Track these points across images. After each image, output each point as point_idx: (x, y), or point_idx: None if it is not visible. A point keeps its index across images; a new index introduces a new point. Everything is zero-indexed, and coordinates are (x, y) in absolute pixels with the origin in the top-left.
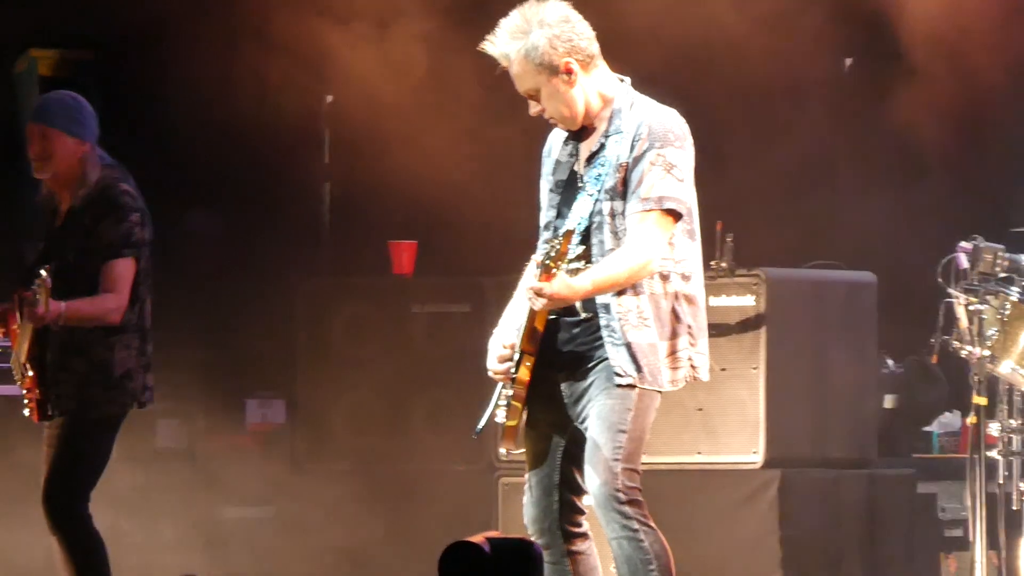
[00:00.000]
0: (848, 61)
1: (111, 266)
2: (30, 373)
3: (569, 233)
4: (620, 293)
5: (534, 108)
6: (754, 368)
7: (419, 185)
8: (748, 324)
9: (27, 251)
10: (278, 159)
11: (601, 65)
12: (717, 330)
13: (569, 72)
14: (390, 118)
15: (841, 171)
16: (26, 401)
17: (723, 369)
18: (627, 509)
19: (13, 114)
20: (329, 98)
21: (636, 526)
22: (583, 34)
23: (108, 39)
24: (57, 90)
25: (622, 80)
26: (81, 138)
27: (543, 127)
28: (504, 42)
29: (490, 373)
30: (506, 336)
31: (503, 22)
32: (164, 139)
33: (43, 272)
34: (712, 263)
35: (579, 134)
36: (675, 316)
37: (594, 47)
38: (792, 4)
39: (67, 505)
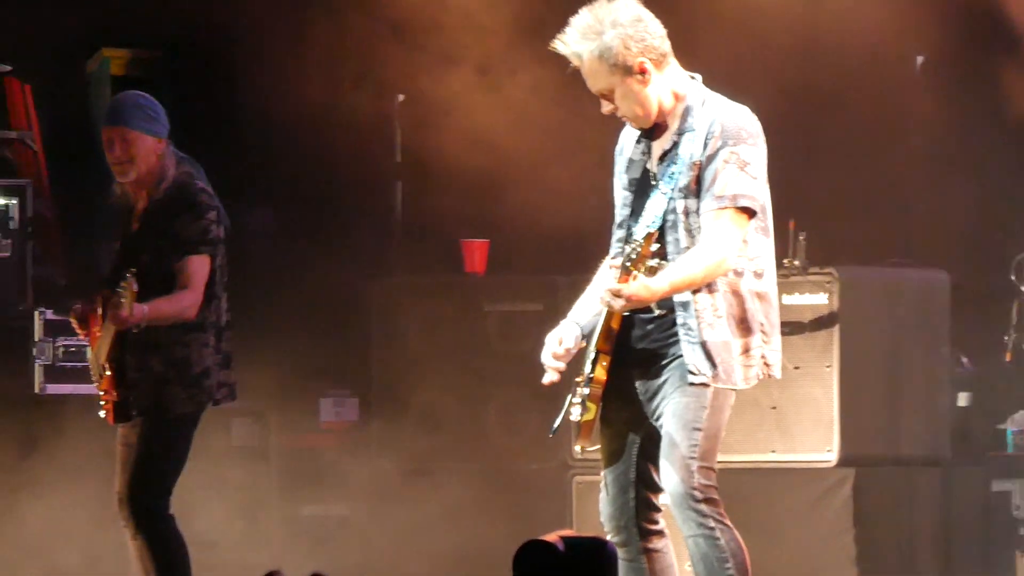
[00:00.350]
0: (920, 59)
1: (187, 262)
2: (108, 373)
3: (650, 236)
4: (695, 291)
5: (607, 107)
6: (828, 366)
7: (491, 183)
8: (821, 322)
9: (103, 252)
10: (350, 158)
11: (673, 63)
12: (790, 328)
13: (643, 72)
14: (462, 116)
15: (915, 169)
16: (102, 403)
17: (797, 367)
18: (703, 507)
19: (86, 113)
20: (400, 97)
21: (712, 524)
22: (656, 33)
23: (179, 38)
24: (126, 91)
25: (693, 77)
26: (159, 136)
27: (615, 123)
28: (576, 42)
29: (544, 364)
30: (566, 333)
31: (574, 21)
32: (235, 137)
33: (128, 275)
34: (785, 261)
35: (651, 132)
36: (749, 313)
37: (666, 45)
38: (865, 4)
39: (149, 505)
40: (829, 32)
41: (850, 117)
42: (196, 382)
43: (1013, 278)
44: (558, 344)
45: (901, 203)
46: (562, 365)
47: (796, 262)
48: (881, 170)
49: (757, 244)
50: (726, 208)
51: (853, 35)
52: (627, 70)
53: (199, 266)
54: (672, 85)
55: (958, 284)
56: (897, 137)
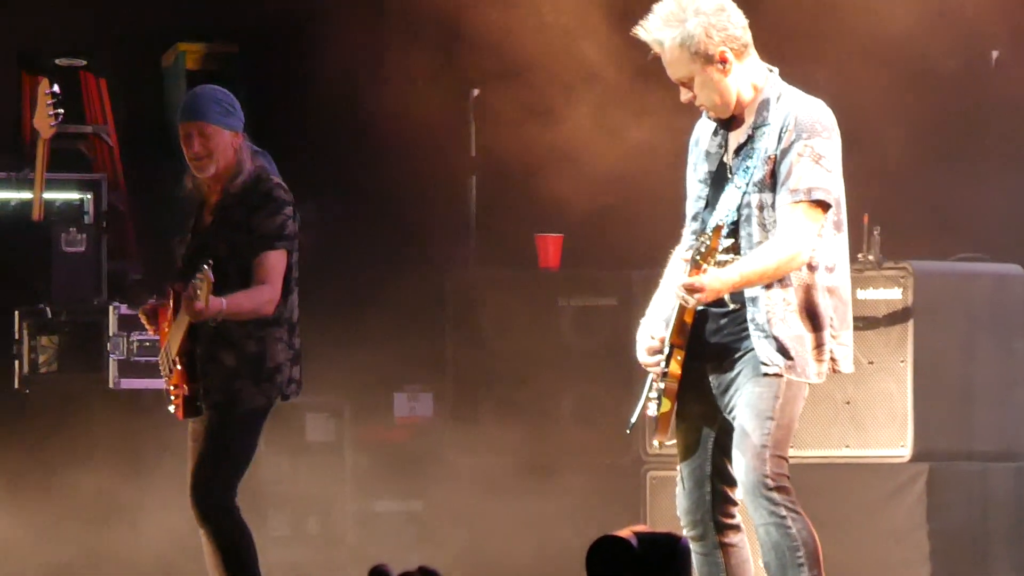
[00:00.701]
0: (996, 53)
1: (265, 257)
2: (179, 367)
3: (718, 228)
4: (768, 285)
5: (685, 95)
6: (902, 361)
7: (565, 178)
8: (895, 317)
9: (177, 247)
10: (425, 152)
11: (753, 55)
12: (864, 323)
13: (724, 61)
14: (536, 112)
15: (989, 163)
16: (172, 398)
17: (871, 362)
18: (775, 495)
19: (161, 108)
20: (475, 91)
21: (784, 512)
22: (737, 23)
23: (255, 32)
24: (202, 85)
25: (771, 70)
26: (236, 130)
27: (687, 120)
28: (658, 29)
29: (642, 365)
30: (654, 327)
31: (656, 8)
32: (309, 132)
33: (205, 267)
34: (859, 256)
35: (728, 124)
36: (820, 308)
37: (748, 36)
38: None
39: (215, 498)
40: (904, 26)
41: (925, 111)
42: (269, 377)
43: None
44: (651, 339)
45: (975, 197)
46: (661, 358)
47: (870, 257)
48: (955, 164)
49: (829, 238)
50: (800, 201)
51: (929, 30)
52: (708, 59)
53: (277, 261)
54: (751, 77)
55: None
56: (972, 131)
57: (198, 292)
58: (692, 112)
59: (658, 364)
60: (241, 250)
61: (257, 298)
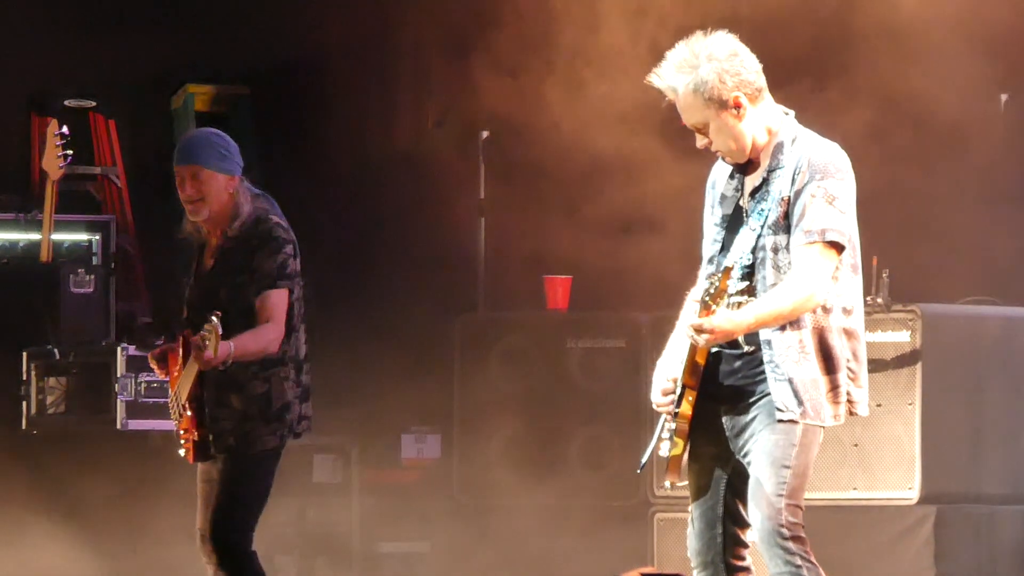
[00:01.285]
0: (1004, 97)
1: (267, 296)
2: (188, 413)
3: (728, 270)
4: (783, 327)
5: (701, 141)
6: (910, 404)
7: (574, 220)
8: (904, 360)
9: (184, 288)
10: (434, 194)
11: (767, 98)
12: (873, 366)
13: (738, 106)
14: (545, 155)
15: (998, 207)
16: (183, 442)
17: (879, 405)
18: (791, 545)
19: (170, 149)
20: (485, 134)
21: (799, 562)
22: (751, 68)
23: (263, 75)
24: (198, 128)
25: (787, 113)
26: (231, 173)
27: (698, 165)
28: (671, 75)
29: (654, 406)
30: (669, 369)
31: (670, 55)
32: (319, 173)
33: (213, 318)
34: (868, 298)
35: (744, 168)
36: (836, 351)
37: (761, 80)
38: (949, 43)
39: (232, 542)
40: (913, 70)
41: (933, 155)
42: (278, 417)
43: None
44: (666, 380)
45: (984, 241)
46: (674, 398)
47: (879, 299)
48: (964, 208)
49: (846, 280)
50: (815, 243)
51: (937, 73)
52: (722, 104)
53: (279, 300)
54: (766, 121)
55: None
56: (980, 175)
57: (207, 342)
58: (704, 156)
59: (671, 404)
60: (243, 291)
61: (263, 338)
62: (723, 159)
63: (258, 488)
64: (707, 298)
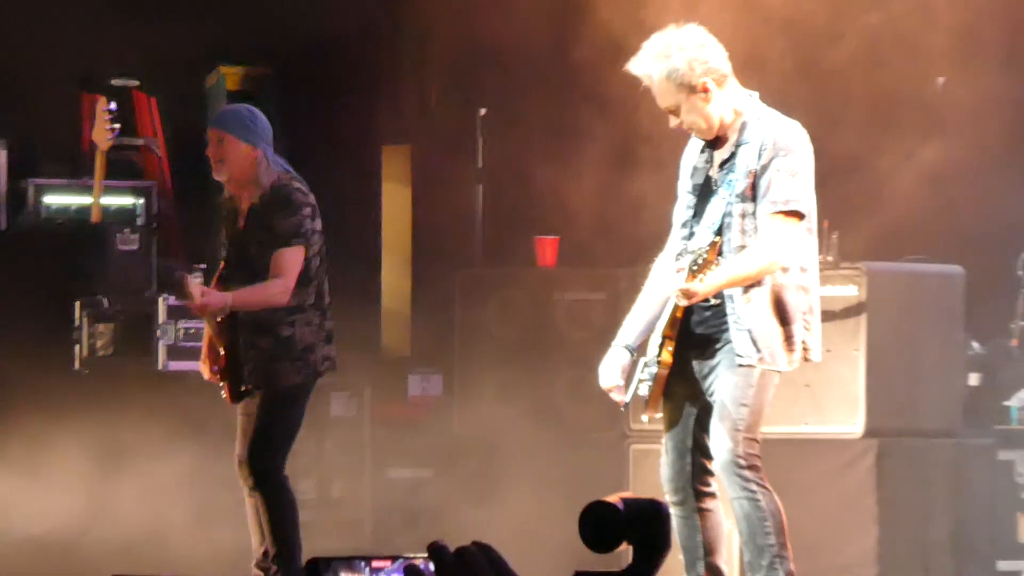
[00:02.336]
0: (941, 80)
1: (280, 254)
2: (224, 357)
3: (715, 244)
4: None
5: (674, 122)
6: (855, 350)
7: (561, 188)
8: (850, 311)
9: (217, 246)
10: (437, 164)
11: (733, 82)
12: (823, 316)
13: (706, 91)
14: (535, 130)
15: (934, 178)
16: (221, 384)
17: (828, 350)
18: (747, 473)
19: (204, 123)
20: (482, 111)
21: (754, 488)
22: (717, 56)
23: (286, 56)
24: (236, 103)
25: (751, 95)
26: (254, 145)
27: (670, 140)
28: (647, 63)
29: (604, 388)
30: (613, 367)
31: (646, 45)
32: (335, 145)
33: (187, 275)
34: (820, 257)
35: (713, 143)
36: (792, 304)
37: (727, 67)
38: (893, 22)
39: (266, 467)
40: (860, 51)
41: (880, 131)
42: (301, 356)
43: (1020, 273)
44: (612, 378)
45: (919, 206)
46: (624, 396)
47: (829, 258)
48: (905, 179)
49: (803, 242)
50: (779, 212)
51: (883, 53)
52: (692, 89)
53: (291, 257)
54: (732, 102)
55: (972, 277)
56: (922, 149)
57: (190, 289)
58: (677, 136)
59: (619, 392)
60: (266, 249)
61: (266, 291)
62: (694, 136)
63: (287, 420)
64: (695, 268)
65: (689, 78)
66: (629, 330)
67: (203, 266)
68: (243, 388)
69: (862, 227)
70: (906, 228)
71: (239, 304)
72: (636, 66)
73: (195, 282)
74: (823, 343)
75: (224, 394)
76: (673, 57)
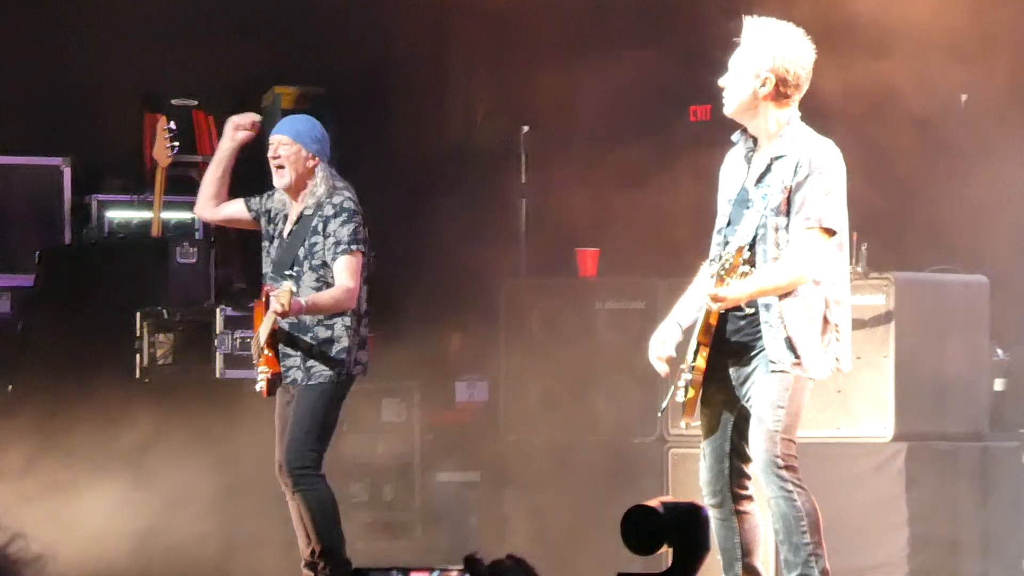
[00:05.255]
0: (964, 96)
1: (343, 260)
2: (267, 353)
3: (740, 249)
4: (780, 295)
5: (725, 80)
6: (884, 357)
7: (602, 200)
8: (879, 320)
9: (266, 251)
10: (483, 179)
11: (795, 102)
12: (853, 325)
13: (777, 90)
14: (576, 145)
15: (961, 190)
16: (259, 377)
17: (858, 358)
18: (784, 473)
19: (260, 141)
20: (525, 128)
21: (791, 487)
22: (807, 76)
23: (340, 77)
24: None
25: (797, 114)
26: (314, 153)
27: (708, 159)
28: (767, 29)
29: (651, 359)
30: (668, 335)
31: (777, 23)
32: (385, 161)
33: (286, 283)
34: (848, 268)
35: (751, 155)
36: (824, 316)
37: (804, 88)
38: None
39: (301, 467)
40: (886, 70)
41: (906, 148)
42: (336, 357)
43: None
44: (661, 346)
45: (947, 219)
46: (666, 367)
47: (858, 268)
48: (932, 189)
49: (834, 258)
50: (812, 228)
51: (909, 72)
52: (770, 77)
53: (353, 263)
54: (782, 115)
55: (996, 286)
56: (947, 165)
57: (280, 299)
58: (713, 151)
59: (664, 366)
60: (315, 253)
61: (336, 296)
62: (725, 105)
63: (322, 419)
64: (722, 272)
65: (779, 69)
66: (682, 309)
67: (290, 273)
68: (279, 383)
69: (890, 239)
70: (931, 239)
71: (311, 310)
72: (753, 23)
73: (283, 290)
74: (853, 350)
75: (260, 387)
76: (784, 45)
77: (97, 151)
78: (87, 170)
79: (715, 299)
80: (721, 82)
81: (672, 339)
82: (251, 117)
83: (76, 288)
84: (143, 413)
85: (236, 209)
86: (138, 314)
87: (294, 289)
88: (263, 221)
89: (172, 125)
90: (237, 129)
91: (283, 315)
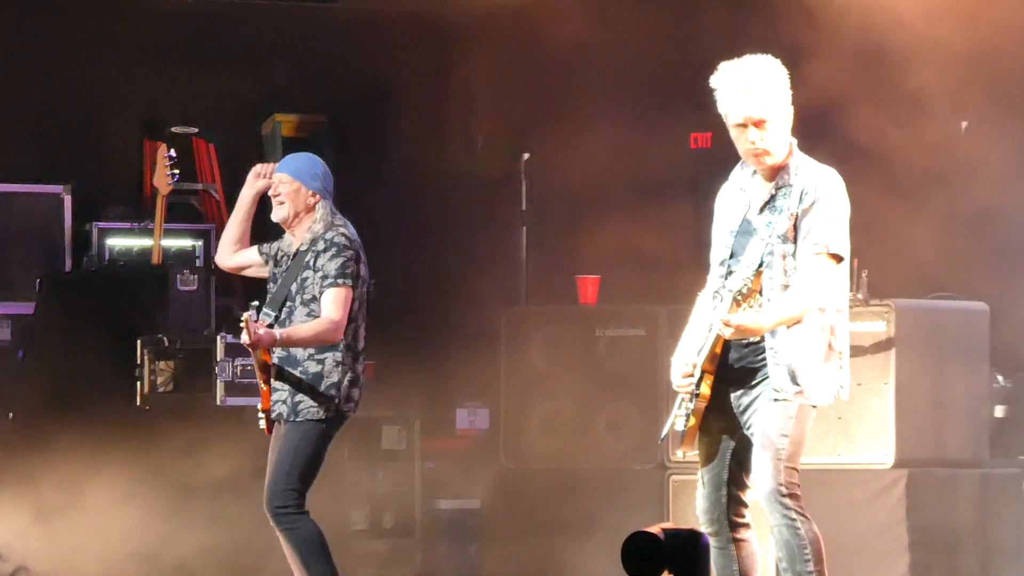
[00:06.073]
0: (964, 124)
1: (328, 293)
2: (264, 389)
3: (759, 274)
4: None
5: (752, 135)
6: (885, 383)
7: (601, 228)
8: (880, 346)
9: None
10: (483, 207)
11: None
12: (854, 352)
13: (789, 119)
14: (576, 172)
15: (960, 219)
16: (261, 415)
17: (859, 384)
18: (787, 501)
19: None
20: (526, 155)
21: (794, 516)
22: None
23: (339, 105)
24: (292, 149)
25: (792, 140)
26: (314, 190)
27: (707, 188)
28: (759, 66)
29: (674, 386)
30: (687, 356)
31: (747, 57)
32: (387, 188)
33: (243, 313)
34: (849, 294)
35: (752, 186)
36: (828, 343)
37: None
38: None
39: (282, 504)
40: (887, 95)
41: (905, 176)
42: (325, 394)
43: None
44: (684, 365)
45: (946, 246)
46: (692, 382)
47: (859, 295)
48: (935, 218)
49: (838, 284)
50: (820, 253)
51: (910, 98)
52: (786, 108)
53: (338, 296)
54: (787, 141)
55: (997, 313)
56: (947, 192)
57: (242, 332)
58: (713, 178)
59: (689, 386)
60: (306, 288)
61: (317, 328)
62: (757, 164)
63: (306, 459)
64: (739, 297)
65: (788, 99)
66: (693, 335)
67: (256, 303)
68: (273, 419)
69: (890, 266)
70: (931, 267)
71: (287, 341)
72: (746, 67)
73: (251, 319)
74: (854, 377)
75: (263, 426)
76: (781, 76)
77: (98, 179)
78: (88, 198)
79: (727, 325)
80: (750, 142)
81: (693, 360)
82: (272, 167)
83: (76, 316)
84: (143, 441)
85: (250, 256)
86: (138, 342)
87: (253, 317)
88: (271, 264)
89: (172, 153)
90: (258, 177)
91: (253, 346)
